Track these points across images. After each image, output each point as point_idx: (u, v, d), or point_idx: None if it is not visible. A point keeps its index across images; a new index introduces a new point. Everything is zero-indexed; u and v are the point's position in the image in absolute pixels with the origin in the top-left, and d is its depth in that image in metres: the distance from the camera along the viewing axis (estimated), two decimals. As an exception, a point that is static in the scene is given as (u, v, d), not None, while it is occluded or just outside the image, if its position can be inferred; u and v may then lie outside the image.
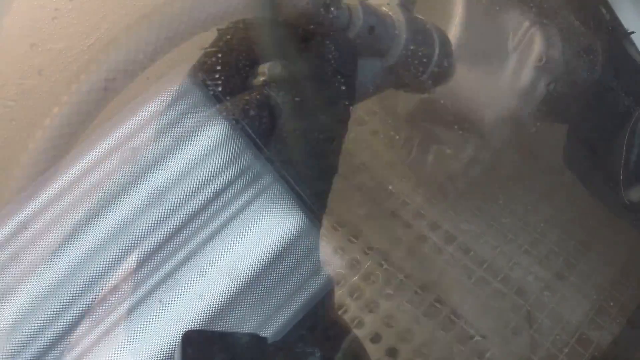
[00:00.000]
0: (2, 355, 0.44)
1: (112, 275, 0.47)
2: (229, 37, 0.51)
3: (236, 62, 0.51)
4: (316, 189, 0.52)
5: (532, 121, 0.79)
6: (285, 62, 0.51)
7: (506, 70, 0.77)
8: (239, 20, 0.51)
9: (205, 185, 0.51)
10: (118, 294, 0.47)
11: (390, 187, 0.89)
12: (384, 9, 0.60)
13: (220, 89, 0.51)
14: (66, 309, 0.46)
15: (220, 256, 0.50)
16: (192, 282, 0.48)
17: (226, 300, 0.49)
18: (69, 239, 0.46)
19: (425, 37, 0.62)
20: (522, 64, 0.77)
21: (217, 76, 0.50)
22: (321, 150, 0.52)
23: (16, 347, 0.44)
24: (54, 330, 0.45)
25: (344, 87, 0.53)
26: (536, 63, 0.76)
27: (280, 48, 0.52)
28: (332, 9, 0.51)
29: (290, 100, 0.50)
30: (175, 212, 0.49)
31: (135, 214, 0.48)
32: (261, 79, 0.51)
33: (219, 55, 0.51)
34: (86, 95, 0.45)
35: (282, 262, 0.55)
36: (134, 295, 0.47)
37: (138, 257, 0.47)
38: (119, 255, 0.47)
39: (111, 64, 0.45)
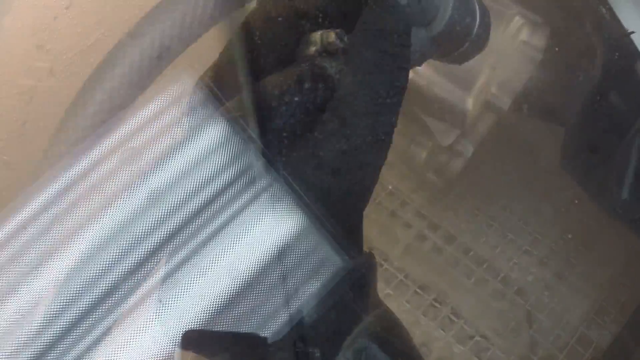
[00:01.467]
0: (2, 355, 0.44)
1: (112, 275, 0.47)
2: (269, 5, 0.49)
3: (282, 31, 0.48)
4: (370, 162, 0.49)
5: (514, 113, 0.79)
6: (339, 30, 0.49)
7: (489, 57, 0.77)
8: None
9: (205, 186, 0.51)
10: (118, 294, 0.47)
11: (390, 187, 0.89)
12: None
13: (266, 59, 0.48)
14: (66, 308, 0.46)
15: (220, 256, 0.50)
16: (192, 282, 0.48)
17: (226, 300, 0.49)
18: (69, 239, 0.46)
19: (468, 6, 0.62)
20: (505, 50, 0.77)
21: (262, 45, 0.48)
22: (379, 122, 0.49)
23: (16, 347, 0.44)
24: (54, 330, 0.45)
25: (402, 60, 0.50)
26: (519, 49, 0.75)
27: (329, 16, 0.50)
28: None
29: (347, 72, 0.48)
30: (175, 212, 0.49)
31: (135, 214, 0.48)
32: (313, 48, 0.49)
33: (263, 22, 0.48)
34: (139, 63, 0.44)
35: (282, 262, 0.55)
36: (134, 295, 0.47)
37: (138, 257, 0.47)
38: (119, 255, 0.47)
39: (165, 30, 0.44)
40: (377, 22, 0.49)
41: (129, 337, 0.46)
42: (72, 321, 0.46)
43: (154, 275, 0.48)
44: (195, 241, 0.49)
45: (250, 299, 0.51)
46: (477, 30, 0.63)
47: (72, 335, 0.46)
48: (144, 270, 0.47)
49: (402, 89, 0.49)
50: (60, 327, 0.45)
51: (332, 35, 0.48)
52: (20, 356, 0.44)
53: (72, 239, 0.46)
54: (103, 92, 0.45)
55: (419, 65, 0.62)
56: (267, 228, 0.53)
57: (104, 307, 0.46)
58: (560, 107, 0.79)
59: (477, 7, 0.63)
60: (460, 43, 0.63)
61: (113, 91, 0.45)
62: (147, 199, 0.48)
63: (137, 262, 0.47)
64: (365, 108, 0.47)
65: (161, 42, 0.44)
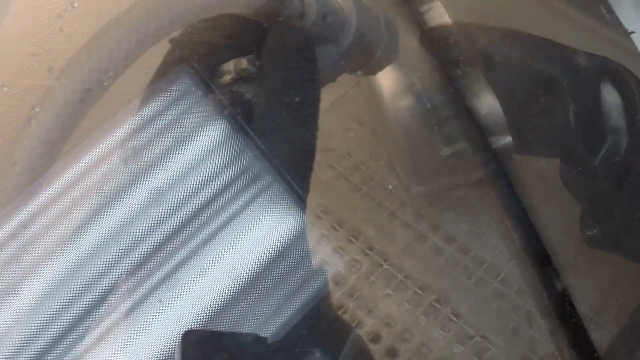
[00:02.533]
0: (2, 355, 0.44)
1: (112, 275, 0.47)
2: (183, 44, 0.52)
3: (197, 66, 0.51)
4: (299, 174, 0.52)
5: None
6: (250, 56, 0.51)
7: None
8: (189, 26, 0.51)
9: (205, 186, 0.51)
10: (118, 294, 0.47)
11: (390, 187, 0.89)
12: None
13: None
14: (66, 309, 0.46)
15: (220, 256, 0.50)
16: (192, 282, 0.48)
17: (226, 300, 0.49)
18: (69, 239, 0.46)
19: (371, 17, 0.64)
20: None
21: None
22: (299, 135, 0.52)
23: (16, 347, 0.44)
24: (54, 330, 0.45)
25: (308, 72, 0.54)
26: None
27: (240, 44, 0.53)
28: (287, 3, 0.53)
29: (261, 93, 0.51)
30: (175, 212, 0.49)
31: (135, 214, 0.48)
32: (228, 77, 0.52)
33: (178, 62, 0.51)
34: (62, 109, 0.44)
35: (282, 262, 0.55)
36: (134, 295, 0.47)
37: (138, 257, 0.47)
38: (119, 255, 0.47)
39: (85, 74, 0.45)
40: (279, 42, 0.54)
41: (129, 337, 0.46)
42: (72, 321, 0.46)
43: (154, 275, 0.48)
44: (195, 241, 0.49)
45: (250, 299, 0.51)
46: (385, 38, 0.65)
47: (72, 335, 0.46)
48: (144, 270, 0.47)
49: (315, 100, 0.53)
50: (60, 327, 0.45)
51: (244, 62, 0.51)
52: (21, 356, 0.44)
53: (72, 239, 0.46)
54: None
55: (333, 80, 0.64)
56: (267, 228, 0.53)
57: (104, 307, 0.46)
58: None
59: (381, 19, 0.65)
60: (371, 53, 0.65)
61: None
62: (147, 198, 0.48)
63: (137, 262, 0.47)
64: (283, 123, 0.50)
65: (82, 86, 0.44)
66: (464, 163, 0.80)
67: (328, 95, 0.75)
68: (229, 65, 0.52)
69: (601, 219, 0.77)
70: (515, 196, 0.76)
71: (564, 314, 0.65)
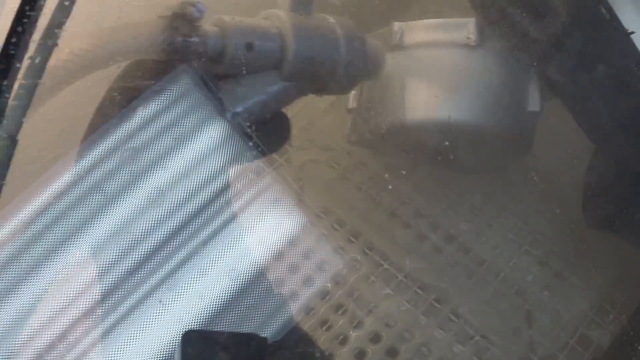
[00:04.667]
0: (2, 355, 0.44)
1: (112, 275, 0.47)
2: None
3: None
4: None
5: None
6: None
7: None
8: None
9: (205, 186, 0.51)
10: (118, 294, 0.47)
11: (390, 187, 0.89)
12: (266, 20, 0.59)
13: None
14: (66, 308, 0.46)
15: (220, 256, 0.50)
16: (192, 282, 0.48)
17: (226, 300, 0.49)
18: (69, 239, 0.46)
19: (323, 38, 0.62)
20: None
21: None
22: None
23: (16, 347, 0.44)
24: (54, 330, 0.45)
25: None
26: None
27: None
28: (191, 39, 0.52)
29: None
30: (176, 212, 0.49)
31: (135, 214, 0.48)
32: None
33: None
34: None
35: (282, 262, 0.55)
36: (134, 295, 0.47)
37: (138, 257, 0.47)
38: (119, 255, 0.47)
39: None
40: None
41: (130, 337, 0.46)
42: (72, 321, 0.46)
43: (154, 275, 0.48)
44: (195, 241, 0.49)
45: (250, 299, 0.51)
46: (345, 57, 0.62)
47: (73, 335, 0.46)
48: (144, 270, 0.47)
49: None
50: (60, 327, 0.45)
51: None
52: (22, 355, 0.44)
53: (73, 239, 0.46)
54: None
55: (287, 103, 0.62)
56: (267, 228, 0.53)
57: (104, 307, 0.46)
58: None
59: (339, 34, 0.62)
60: (329, 72, 0.62)
61: None
62: (147, 198, 0.48)
63: (137, 262, 0.47)
64: None
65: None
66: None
67: (327, 96, 0.75)
68: None
69: (599, 202, 0.79)
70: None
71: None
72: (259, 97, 0.57)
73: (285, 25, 0.59)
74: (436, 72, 0.76)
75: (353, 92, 0.80)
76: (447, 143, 0.77)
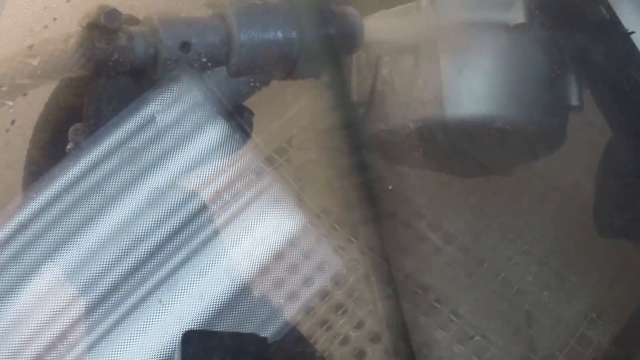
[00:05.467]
0: (2, 355, 0.44)
1: (112, 275, 0.47)
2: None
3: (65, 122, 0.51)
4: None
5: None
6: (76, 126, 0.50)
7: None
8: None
9: (205, 186, 0.51)
10: (118, 294, 0.47)
11: (390, 187, 0.89)
12: (207, 10, 0.54)
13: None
14: (66, 308, 0.46)
15: (220, 256, 0.50)
16: (192, 282, 0.48)
17: (226, 300, 0.49)
18: (69, 238, 0.46)
19: (273, 21, 0.54)
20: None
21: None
22: None
23: (16, 347, 0.44)
24: (54, 330, 0.45)
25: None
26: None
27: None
28: (111, 48, 0.47)
29: None
30: (176, 212, 0.49)
31: (135, 214, 0.48)
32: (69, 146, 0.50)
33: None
34: None
35: (282, 262, 0.55)
36: (134, 295, 0.47)
37: (138, 257, 0.47)
38: (119, 255, 0.47)
39: None
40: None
41: (130, 337, 0.46)
42: (72, 321, 0.46)
43: (154, 276, 0.48)
44: (195, 241, 0.49)
45: (250, 299, 0.51)
46: (300, 35, 0.55)
47: (73, 335, 0.46)
48: (144, 271, 0.47)
49: None
50: (61, 327, 0.45)
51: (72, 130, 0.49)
52: (22, 355, 0.44)
53: (73, 239, 0.46)
54: None
55: (244, 98, 0.56)
56: (267, 229, 0.53)
57: (104, 307, 0.46)
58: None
59: (292, 13, 0.55)
60: (285, 58, 0.55)
61: None
62: (147, 199, 0.48)
63: (137, 262, 0.47)
64: None
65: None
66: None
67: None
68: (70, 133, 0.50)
69: (611, 212, 0.76)
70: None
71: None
72: (216, 95, 0.54)
73: (228, 15, 0.52)
74: (477, 59, 0.67)
75: (356, 82, 0.72)
76: (481, 141, 0.69)
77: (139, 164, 0.49)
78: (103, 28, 0.47)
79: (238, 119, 0.54)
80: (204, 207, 0.50)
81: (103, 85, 0.49)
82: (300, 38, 0.55)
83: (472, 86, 0.67)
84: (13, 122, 0.51)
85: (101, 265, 0.47)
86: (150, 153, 0.49)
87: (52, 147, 0.51)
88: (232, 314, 0.49)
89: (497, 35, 0.67)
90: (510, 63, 0.67)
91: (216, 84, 0.53)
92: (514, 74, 0.67)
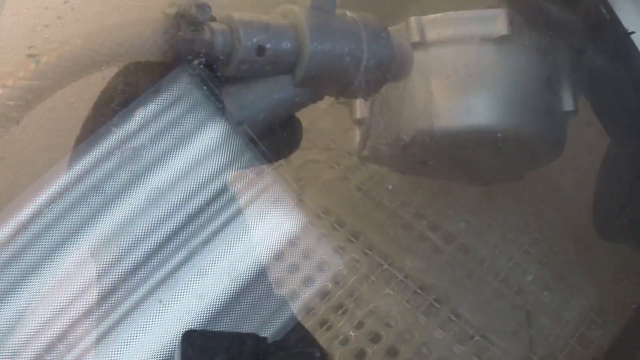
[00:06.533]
0: (2, 355, 0.44)
1: (112, 275, 0.47)
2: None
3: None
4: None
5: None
6: None
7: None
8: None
9: (205, 186, 0.51)
10: (118, 294, 0.47)
11: (390, 187, 0.89)
12: (281, 18, 0.54)
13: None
14: (66, 309, 0.46)
15: (220, 256, 0.50)
16: (192, 282, 0.48)
17: (226, 300, 0.49)
18: (69, 239, 0.46)
19: (344, 39, 0.55)
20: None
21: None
22: None
23: (16, 347, 0.44)
24: (54, 330, 0.45)
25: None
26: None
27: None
28: (195, 39, 0.48)
29: None
30: (176, 212, 0.49)
31: (135, 214, 0.48)
32: None
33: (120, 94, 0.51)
34: None
35: (282, 262, 0.55)
36: (134, 295, 0.47)
37: (138, 257, 0.47)
38: (119, 255, 0.47)
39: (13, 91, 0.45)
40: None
41: (130, 337, 0.46)
42: (72, 321, 0.46)
43: (154, 275, 0.48)
44: (195, 241, 0.49)
45: (250, 299, 0.51)
46: (368, 59, 0.56)
47: (73, 335, 0.46)
48: (144, 270, 0.47)
49: None
50: (60, 327, 0.45)
51: None
52: (22, 355, 0.44)
53: (72, 239, 0.46)
54: None
55: (299, 110, 0.58)
56: (267, 228, 0.53)
57: (104, 307, 0.46)
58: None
59: (362, 33, 0.56)
60: (349, 76, 0.56)
61: None
62: (147, 199, 0.48)
63: (137, 262, 0.47)
64: None
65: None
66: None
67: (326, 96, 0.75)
68: None
69: (612, 214, 0.76)
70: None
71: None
72: (267, 104, 0.54)
73: (302, 25, 0.53)
74: (464, 72, 0.69)
75: (360, 100, 0.73)
76: (476, 151, 0.70)
77: (139, 163, 0.49)
78: (192, 19, 0.48)
79: (244, 125, 0.54)
80: (204, 207, 0.50)
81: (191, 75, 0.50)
82: (366, 59, 0.56)
83: (460, 99, 0.69)
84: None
85: (101, 265, 0.47)
86: (150, 153, 0.49)
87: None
88: (232, 314, 0.49)
89: (483, 48, 0.69)
90: (497, 74, 0.69)
91: (277, 90, 0.54)
92: (502, 84, 0.69)
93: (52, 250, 0.46)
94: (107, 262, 0.47)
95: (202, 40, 0.49)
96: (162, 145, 0.50)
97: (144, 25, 0.48)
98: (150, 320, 0.47)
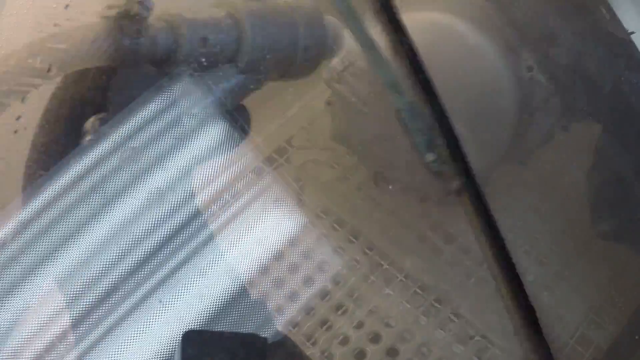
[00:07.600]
0: (2, 355, 0.44)
1: (112, 275, 0.47)
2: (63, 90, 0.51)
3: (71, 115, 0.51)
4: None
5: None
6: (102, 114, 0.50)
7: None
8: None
9: (205, 186, 0.51)
10: (118, 294, 0.47)
11: (390, 187, 0.89)
12: (218, 9, 0.55)
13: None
14: (67, 308, 0.46)
15: (220, 256, 0.50)
16: (192, 282, 0.48)
17: (226, 300, 0.49)
18: (69, 239, 0.46)
19: (281, 25, 0.58)
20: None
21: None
22: None
23: (16, 347, 0.44)
24: (54, 330, 0.45)
25: None
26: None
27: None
28: (139, 39, 0.48)
29: None
30: (176, 212, 0.49)
31: (135, 214, 0.48)
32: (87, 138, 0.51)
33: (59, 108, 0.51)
34: None
35: (282, 262, 0.55)
36: (134, 295, 0.47)
37: (138, 257, 0.47)
38: (119, 255, 0.47)
39: None
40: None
41: (130, 337, 0.46)
42: (73, 321, 0.46)
43: (154, 276, 0.48)
44: (195, 241, 0.49)
45: (250, 299, 0.51)
46: (305, 41, 0.59)
47: (73, 335, 0.46)
48: (144, 270, 0.47)
49: None
50: (61, 327, 0.45)
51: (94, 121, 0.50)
52: (22, 355, 0.44)
53: (73, 239, 0.46)
54: None
55: (243, 97, 0.58)
56: (267, 228, 0.54)
57: (104, 307, 0.46)
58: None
59: (298, 18, 0.59)
60: (289, 59, 0.59)
61: None
62: (147, 199, 0.48)
63: (137, 262, 0.47)
64: None
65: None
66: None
67: (322, 93, 0.75)
68: (87, 125, 0.50)
69: (609, 213, 0.77)
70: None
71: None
72: (214, 95, 0.54)
73: (240, 14, 0.54)
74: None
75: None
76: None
77: (139, 163, 0.49)
78: (134, 18, 0.48)
79: (237, 117, 0.54)
80: (204, 207, 0.50)
81: (132, 75, 0.50)
82: (303, 38, 0.58)
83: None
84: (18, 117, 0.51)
85: (101, 265, 0.47)
86: (150, 153, 0.49)
87: (58, 142, 0.51)
88: (232, 314, 0.49)
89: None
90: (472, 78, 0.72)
91: (221, 80, 0.54)
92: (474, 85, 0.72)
93: (52, 251, 0.46)
94: (108, 263, 0.47)
95: (148, 38, 0.49)
96: (162, 145, 0.50)
97: (86, 31, 0.47)
98: (151, 320, 0.47)
